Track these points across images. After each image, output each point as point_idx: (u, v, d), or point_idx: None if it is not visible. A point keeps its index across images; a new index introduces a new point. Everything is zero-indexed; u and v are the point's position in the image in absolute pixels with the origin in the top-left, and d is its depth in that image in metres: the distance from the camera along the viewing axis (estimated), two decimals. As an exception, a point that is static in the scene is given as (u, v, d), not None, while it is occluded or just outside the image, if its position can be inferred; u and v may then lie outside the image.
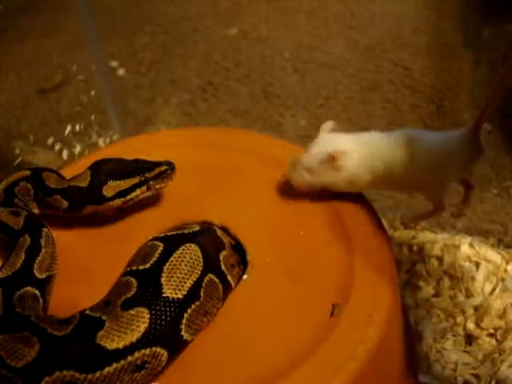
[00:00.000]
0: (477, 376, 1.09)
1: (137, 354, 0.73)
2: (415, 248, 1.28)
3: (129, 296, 0.77)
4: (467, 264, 1.24)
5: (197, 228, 0.88)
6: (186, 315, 0.78)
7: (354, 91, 1.73)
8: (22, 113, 1.63)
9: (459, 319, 1.17)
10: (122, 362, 0.72)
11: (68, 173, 1.01)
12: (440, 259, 1.25)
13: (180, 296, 0.78)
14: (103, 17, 1.93)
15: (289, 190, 0.99)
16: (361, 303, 0.84)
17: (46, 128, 1.57)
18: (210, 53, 1.84)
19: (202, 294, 0.81)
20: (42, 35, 1.86)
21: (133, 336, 0.73)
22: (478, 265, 1.24)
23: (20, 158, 1.50)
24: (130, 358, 0.72)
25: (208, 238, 0.88)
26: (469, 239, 1.30)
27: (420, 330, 1.17)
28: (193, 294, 0.79)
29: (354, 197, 0.97)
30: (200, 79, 1.76)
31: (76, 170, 1.02)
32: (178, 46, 1.85)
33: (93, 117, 1.53)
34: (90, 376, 0.70)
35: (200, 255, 0.83)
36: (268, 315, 0.84)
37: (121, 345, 0.72)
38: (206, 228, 0.91)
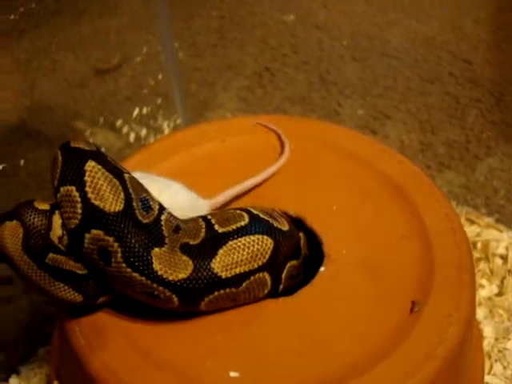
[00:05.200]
0: (540, 378, 1.07)
1: (155, 287, 0.75)
2: (479, 246, 1.25)
3: (191, 243, 0.79)
4: (532, 263, 1.22)
5: (285, 227, 0.87)
6: (216, 293, 0.79)
7: (414, 82, 1.69)
8: (80, 92, 1.62)
9: (523, 319, 1.15)
10: (140, 284, 0.75)
11: (141, 157, 1.02)
12: (504, 258, 1.23)
13: (223, 275, 0.78)
14: None
15: (364, 184, 0.98)
16: (441, 302, 0.83)
17: (106, 109, 1.57)
18: (266, 38, 1.81)
19: (244, 284, 0.80)
20: (99, 15, 1.86)
21: (168, 277, 0.75)
22: (543, 264, 1.22)
23: (80, 138, 1.51)
24: (148, 285, 0.75)
25: (289, 242, 0.86)
26: (534, 238, 1.28)
27: (482, 328, 1.15)
28: (236, 280, 0.79)
29: (432, 193, 0.95)
30: (257, 65, 1.74)
31: (150, 154, 1.02)
32: (235, 30, 1.83)
33: (159, 100, 1.52)
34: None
35: (269, 253, 0.82)
36: (345, 309, 0.84)
37: (153, 271, 0.75)
38: (293, 232, 0.89)
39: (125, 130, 1.49)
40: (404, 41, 1.81)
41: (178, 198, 0.90)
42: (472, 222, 1.30)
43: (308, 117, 1.57)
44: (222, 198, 0.95)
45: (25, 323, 1.22)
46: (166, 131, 1.49)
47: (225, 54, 1.77)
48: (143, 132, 1.49)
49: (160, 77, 1.52)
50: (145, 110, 1.55)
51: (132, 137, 1.48)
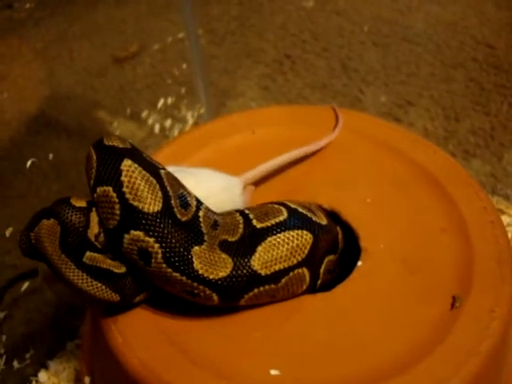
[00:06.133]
0: None
1: (195, 286, 0.75)
2: (509, 236, 1.23)
3: (229, 239, 0.78)
4: None
5: (324, 221, 0.85)
6: (255, 290, 0.78)
7: (437, 68, 1.67)
8: (99, 81, 1.61)
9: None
10: (180, 283, 0.75)
11: (171, 150, 1.00)
12: (535, 248, 1.21)
13: (262, 273, 0.77)
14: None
15: (399, 175, 0.96)
16: (482, 297, 0.81)
17: (126, 98, 1.55)
18: (286, 25, 1.79)
19: (283, 280, 0.79)
20: (115, 2, 1.84)
21: (209, 276, 0.74)
22: None
23: (100, 128, 1.49)
24: (189, 284, 0.74)
25: (328, 237, 0.85)
26: None
27: None
28: (275, 277, 0.78)
29: (469, 185, 0.93)
30: (277, 52, 1.71)
31: (179, 146, 1.00)
32: (254, 17, 1.81)
33: (183, 90, 1.50)
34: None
35: (308, 248, 0.81)
36: (385, 305, 0.82)
37: (194, 271, 0.74)
38: (331, 226, 0.88)
39: (150, 121, 1.47)
40: (426, 26, 1.78)
41: (212, 185, 0.89)
42: (502, 212, 1.28)
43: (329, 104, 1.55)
44: (252, 174, 0.94)
45: (50, 316, 1.21)
46: (190, 121, 1.47)
47: (244, 41, 1.75)
48: (167, 122, 1.47)
49: (184, 66, 1.50)
50: (169, 101, 1.53)
51: (157, 127, 1.46)
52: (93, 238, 0.78)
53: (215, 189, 0.88)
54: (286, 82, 1.64)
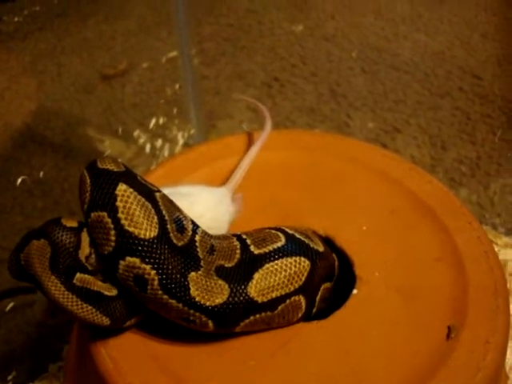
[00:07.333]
0: None
1: (191, 313, 0.73)
2: (499, 265, 1.24)
3: (226, 265, 0.76)
4: (550, 284, 1.21)
5: (321, 248, 0.84)
6: (252, 317, 0.76)
7: (424, 96, 1.69)
8: (86, 98, 1.59)
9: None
10: (176, 310, 0.73)
11: (164, 171, 0.99)
12: (522, 278, 1.22)
13: (259, 300, 0.76)
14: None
15: (393, 203, 0.96)
16: (477, 328, 0.80)
17: (113, 116, 1.54)
18: (275, 48, 1.80)
19: (279, 308, 0.78)
20: (104, 19, 1.83)
21: (205, 303, 0.73)
22: (560, 285, 1.21)
23: (87, 145, 1.48)
24: (185, 311, 0.73)
25: (325, 264, 0.84)
26: (551, 259, 1.27)
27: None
28: (272, 304, 0.77)
29: (463, 215, 0.94)
30: (266, 74, 1.72)
31: (173, 168, 0.99)
32: (244, 38, 1.81)
33: (175, 110, 1.49)
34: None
35: (305, 275, 0.80)
36: (381, 334, 0.81)
37: (190, 298, 0.72)
38: (328, 253, 0.87)
39: (141, 140, 1.46)
40: (413, 54, 1.81)
41: (207, 202, 0.88)
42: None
43: (316, 129, 1.56)
44: (234, 180, 0.95)
45: (32, 336, 1.18)
46: (181, 142, 1.46)
47: (234, 62, 1.76)
48: (158, 143, 1.45)
49: (177, 86, 1.49)
50: (161, 120, 1.53)
51: (148, 147, 1.45)
52: (83, 259, 0.76)
53: (210, 204, 0.88)
54: (273, 105, 1.64)
